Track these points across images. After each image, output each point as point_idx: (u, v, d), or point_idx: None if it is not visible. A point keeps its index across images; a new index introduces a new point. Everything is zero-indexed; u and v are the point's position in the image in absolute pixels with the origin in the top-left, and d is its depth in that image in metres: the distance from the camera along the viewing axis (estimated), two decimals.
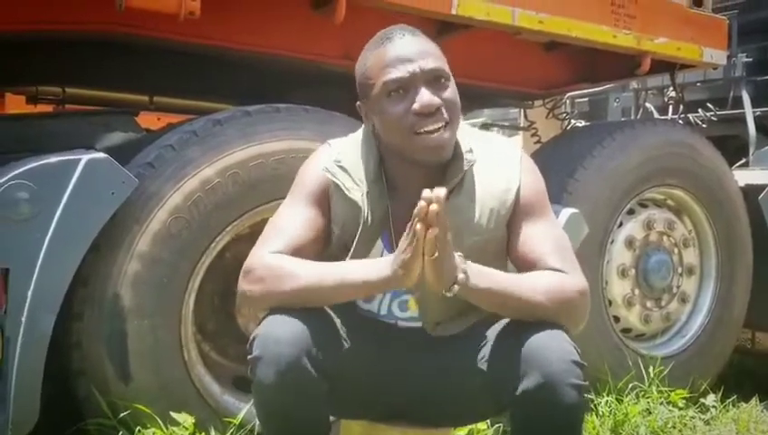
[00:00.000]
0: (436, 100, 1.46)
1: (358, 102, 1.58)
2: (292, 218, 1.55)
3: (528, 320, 1.44)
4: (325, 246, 1.58)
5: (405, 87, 1.47)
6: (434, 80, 1.47)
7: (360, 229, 1.53)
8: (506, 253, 1.58)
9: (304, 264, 1.46)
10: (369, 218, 1.53)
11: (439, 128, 1.46)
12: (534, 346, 1.39)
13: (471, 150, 1.56)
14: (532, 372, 1.36)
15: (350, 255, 1.54)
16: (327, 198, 1.57)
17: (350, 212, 1.55)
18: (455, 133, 1.51)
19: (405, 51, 1.48)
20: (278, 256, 1.47)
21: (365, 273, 1.41)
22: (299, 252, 1.50)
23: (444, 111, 1.47)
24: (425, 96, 1.45)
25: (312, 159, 1.64)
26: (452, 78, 1.52)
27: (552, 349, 1.38)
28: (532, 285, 1.44)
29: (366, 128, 1.61)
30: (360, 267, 1.44)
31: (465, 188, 1.54)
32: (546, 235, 1.54)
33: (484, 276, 1.41)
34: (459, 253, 1.39)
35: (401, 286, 1.42)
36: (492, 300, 1.43)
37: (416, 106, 1.45)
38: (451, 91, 1.50)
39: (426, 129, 1.46)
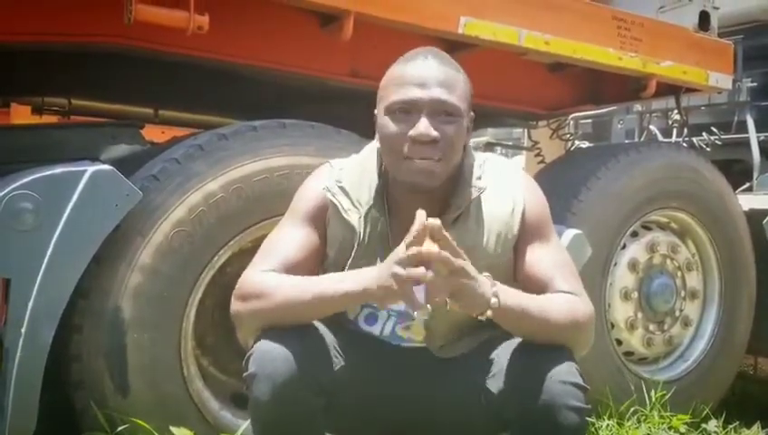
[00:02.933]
0: (433, 132, 1.44)
1: (375, 110, 1.58)
2: (287, 239, 1.55)
3: (541, 341, 1.43)
4: (319, 267, 1.57)
5: (408, 110, 1.46)
6: (439, 112, 1.46)
7: (354, 250, 1.52)
8: (513, 276, 1.57)
9: (288, 278, 1.45)
10: (366, 239, 1.52)
11: (429, 159, 1.45)
12: (536, 368, 1.39)
13: (480, 178, 1.55)
14: (533, 394, 1.36)
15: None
16: (324, 218, 1.56)
17: (347, 234, 1.54)
18: (447, 167, 1.49)
19: (421, 75, 1.47)
20: (267, 274, 1.47)
21: (350, 282, 1.39)
22: (291, 272, 1.49)
23: (441, 146, 1.45)
24: (422, 125, 1.44)
25: (311, 179, 1.64)
26: (463, 116, 1.49)
27: (553, 371, 1.38)
28: (551, 306, 1.43)
29: (375, 142, 1.61)
30: (343, 276, 1.43)
31: (472, 214, 1.53)
32: (553, 258, 1.53)
33: (513, 298, 1.39)
34: (487, 273, 1.38)
35: (388, 301, 1.40)
36: (519, 321, 1.41)
37: (411, 132, 1.44)
38: (453, 129, 1.47)
39: (414, 155, 1.45)
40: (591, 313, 1.49)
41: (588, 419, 1.41)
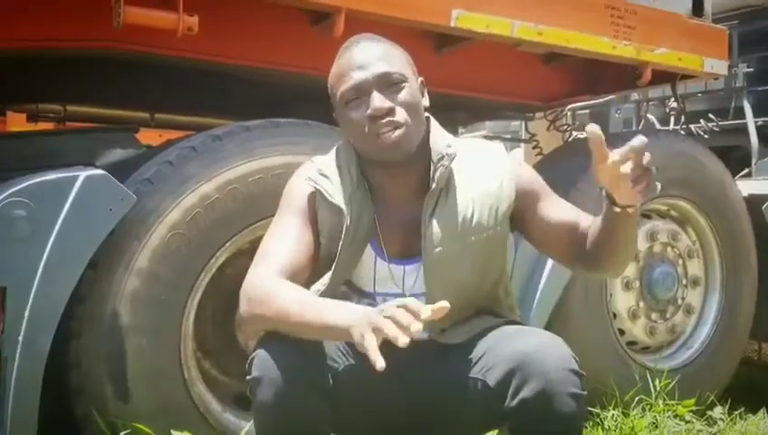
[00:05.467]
0: (387, 103, 1.48)
1: (334, 112, 1.61)
2: (283, 236, 1.56)
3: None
4: (318, 257, 1.58)
5: (359, 94, 1.50)
6: (386, 84, 1.50)
7: (343, 233, 1.53)
8: (533, 242, 1.63)
9: (290, 292, 1.43)
10: (354, 223, 1.54)
11: (395, 128, 1.48)
12: (533, 355, 1.39)
13: (450, 145, 1.57)
14: (531, 381, 1.36)
15: (335, 261, 1.54)
16: (313, 208, 1.58)
17: (336, 218, 1.55)
18: (415, 132, 1.53)
19: (358, 59, 1.52)
20: (269, 278, 1.47)
21: (338, 318, 1.33)
22: (293, 268, 1.50)
23: (399, 112, 1.49)
24: (375, 100, 1.48)
25: (295, 175, 1.66)
26: (410, 79, 1.54)
27: (550, 358, 1.38)
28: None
29: (344, 136, 1.64)
30: (335, 311, 1.36)
31: (456, 189, 1.56)
32: (564, 205, 1.62)
33: None
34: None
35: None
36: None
37: (368, 111, 1.48)
38: (406, 93, 1.52)
39: (380, 131, 1.48)
40: None
41: (587, 406, 1.40)
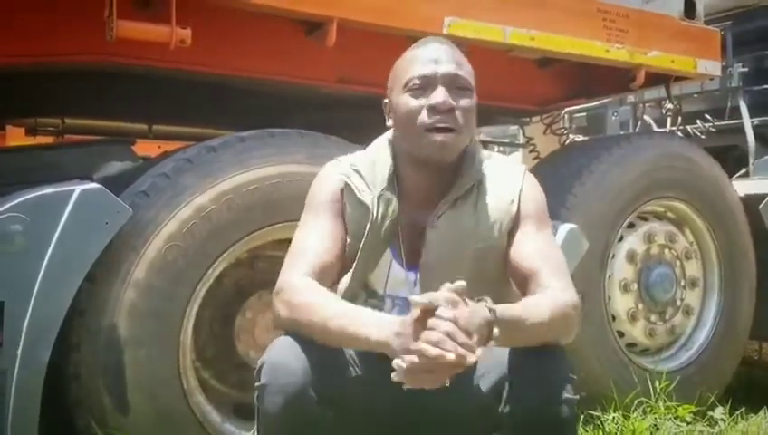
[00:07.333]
0: (451, 101, 1.50)
1: (385, 100, 1.63)
2: (313, 235, 1.57)
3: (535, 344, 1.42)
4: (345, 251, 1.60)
5: (425, 85, 1.52)
6: (454, 86, 1.52)
7: (366, 231, 1.55)
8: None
9: (331, 303, 1.44)
10: (379, 220, 1.55)
11: (450, 128, 1.50)
12: (524, 361, 1.39)
13: (483, 164, 1.60)
14: (523, 387, 1.37)
15: (356, 261, 1.55)
16: (342, 204, 1.60)
17: (362, 215, 1.57)
18: (463, 141, 1.56)
19: (435, 54, 1.55)
20: (307, 282, 1.48)
21: (372, 332, 1.36)
22: (324, 266, 1.52)
23: (458, 115, 1.51)
24: (440, 94, 1.50)
25: (322, 173, 1.67)
26: (474, 94, 1.57)
27: (541, 363, 1.38)
28: (539, 314, 1.42)
29: (384, 133, 1.65)
30: (371, 323, 1.38)
31: (472, 198, 1.58)
32: (541, 248, 1.56)
33: (509, 323, 1.35)
34: (484, 299, 1.34)
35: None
36: (515, 340, 1.40)
37: (431, 102, 1.50)
38: (468, 102, 1.54)
39: (436, 125, 1.50)
40: (576, 304, 1.49)
41: (580, 410, 1.40)
